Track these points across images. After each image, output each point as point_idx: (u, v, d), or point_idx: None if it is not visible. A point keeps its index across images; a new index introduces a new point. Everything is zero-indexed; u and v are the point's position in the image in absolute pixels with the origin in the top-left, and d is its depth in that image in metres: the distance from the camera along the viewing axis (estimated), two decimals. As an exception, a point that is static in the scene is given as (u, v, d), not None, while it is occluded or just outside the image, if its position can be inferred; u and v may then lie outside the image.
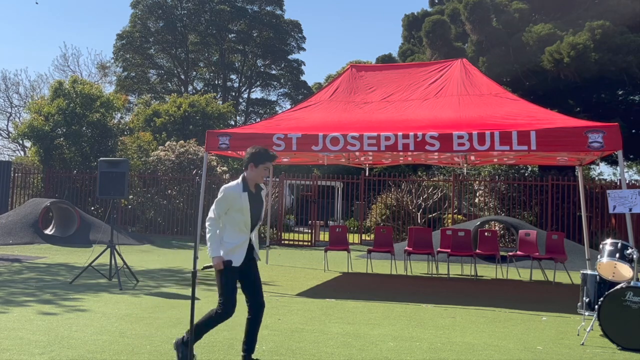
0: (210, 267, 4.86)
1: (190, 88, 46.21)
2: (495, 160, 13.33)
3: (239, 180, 5.00)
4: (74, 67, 45.32)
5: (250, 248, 5.02)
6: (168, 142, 21.40)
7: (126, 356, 5.38)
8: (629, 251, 6.58)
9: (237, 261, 4.88)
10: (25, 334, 6.05)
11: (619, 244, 6.72)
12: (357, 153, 12.08)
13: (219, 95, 44.52)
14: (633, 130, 21.33)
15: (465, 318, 7.69)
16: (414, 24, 25.53)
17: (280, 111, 40.27)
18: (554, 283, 11.53)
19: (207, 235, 4.95)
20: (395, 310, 8.03)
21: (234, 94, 48.15)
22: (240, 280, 4.97)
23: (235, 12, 45.23)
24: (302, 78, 48.67)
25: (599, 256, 6.82)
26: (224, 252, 4.88)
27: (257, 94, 50.34)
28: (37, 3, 64.36)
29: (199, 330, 4.92)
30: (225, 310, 4.87)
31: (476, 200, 19.90)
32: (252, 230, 5.00)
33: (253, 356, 5.12)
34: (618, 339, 6.25)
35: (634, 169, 37.87)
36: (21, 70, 64.77)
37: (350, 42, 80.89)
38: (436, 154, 11.84)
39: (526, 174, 22.66)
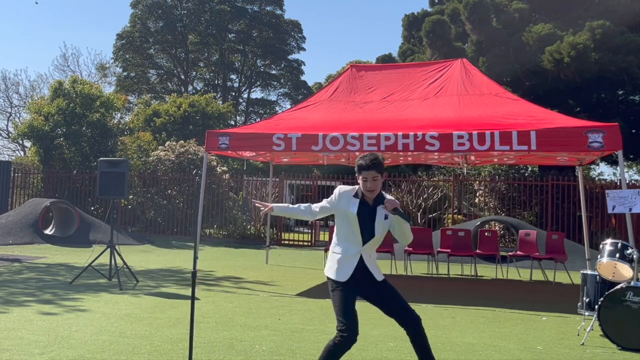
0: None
1: (190, 88, 46.20)
2: (495, 160, 13.32)
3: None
4: (74, 67, 45.31)
5: (366, 266, 4.37)
6: (168, 142, 21.39)
7: (126, 356, 5.38)
8: (629, 251, 6.58)
9: (341, 276, 4.34)
10: (25, 334, 6.05)
11: (619, 244, 6.72)
12: (357, 153, 12.06)
13: (219, 95, 44.51)
14: (633, 130, 21.32)
15: (465, 318, 7.69)
16: (414, 24, 25.52)
17: (280, 111, 40.27)
18: (554, 283, 11.53)
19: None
20: (395, 310, 8.02)
21: (234, 94, 48.15)
22: (377, 306, 4.42)
23: (235, 12, 45.23)
24: (302, 78, 48.67)
25: (599, 256, 6.82)
26: (330, 264, 4.45)
27: (257, 94, 50.39)
28: (37, 3, 64.37)
29: None
30: (341, 335, 4.18)
31: (476, 200, 19.89)
32: (364, 244, 4.38)
33: None
34: (618, 339, 6.25)
35: (634, 169, 37.85)
36: (21, 70, 64.90)
37: (350, 42, 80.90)
38: (436, 154, 11.83)
39: (526, 174, 22.64)
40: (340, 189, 4.48)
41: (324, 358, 4.23)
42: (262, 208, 4.72)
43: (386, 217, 4.34)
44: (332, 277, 4.39)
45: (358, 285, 4.35)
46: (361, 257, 4.36)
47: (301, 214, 4.69)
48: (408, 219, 4.30)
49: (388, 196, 4.38)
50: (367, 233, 4.36)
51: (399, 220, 4.29)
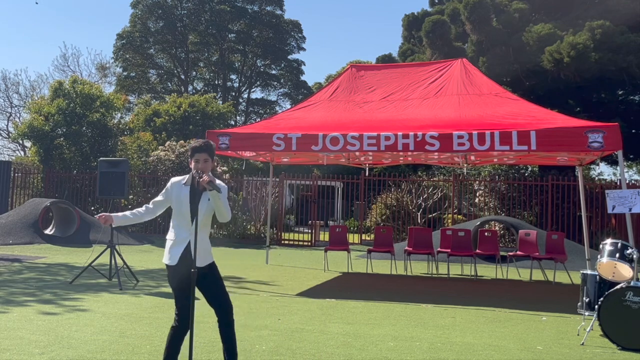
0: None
1: (190, 88, 46.20)
2: (495, 160, 13.32)
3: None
4: (74, 67, 45.28)
5: (190, 251, 4.57)
6: (168, 142, 21.39)
7: (126, 356, 5.38)
8: (629, 251, 6.57)
9: (171, 260, 4.57)
10: (25, 334, 6.05)
11: (619, 244, 6.72)
12: (357, 153, 12.07)
13: (219, 95, 44.50)
14: (633, 130, 21.32)
15: (465, 318, 7.69)
16: (414, 24, 25.53)
17: (280, 111, 40.28)
18: (554, 283, 11.53)
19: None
20: (395, 310, 8.03)
21: (234, 94, 48.15)
22: (200, 291, 4.66)
23: (235, 12, 45.23)
24: (302, 78, 48.69)
25: (599, 256, 6.82)
26: (165, 251, 4.66)
27: (257, 94, 50.40)
28: (37, 3, 64.37)
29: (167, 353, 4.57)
30: (177, 320, 4.53)
31: (476, 200, 19.89)
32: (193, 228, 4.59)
33: None
34: (618, 339, 6.25)
35: (634, 169, 37.88)
36: (21, 70, 64.94)
37: (350, 42, 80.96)
38: (436, 154, 11.84)
39: (526, 174, 22.65)
40: (172, 180, 4.78)
41: (167, 347, 4.54)
42: (103, 222, 4.81)
43: (209, 200, 4.63)
44: (165, 262, 4.64)
45: (187, 268, 4.55)
46: (189, 242, 4.60)
47: (141, 217, 4.82)
48: (219, 190, 4.47)
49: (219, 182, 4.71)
50: (195, 217, 4.63)
51: (213, 195, 4.49)
